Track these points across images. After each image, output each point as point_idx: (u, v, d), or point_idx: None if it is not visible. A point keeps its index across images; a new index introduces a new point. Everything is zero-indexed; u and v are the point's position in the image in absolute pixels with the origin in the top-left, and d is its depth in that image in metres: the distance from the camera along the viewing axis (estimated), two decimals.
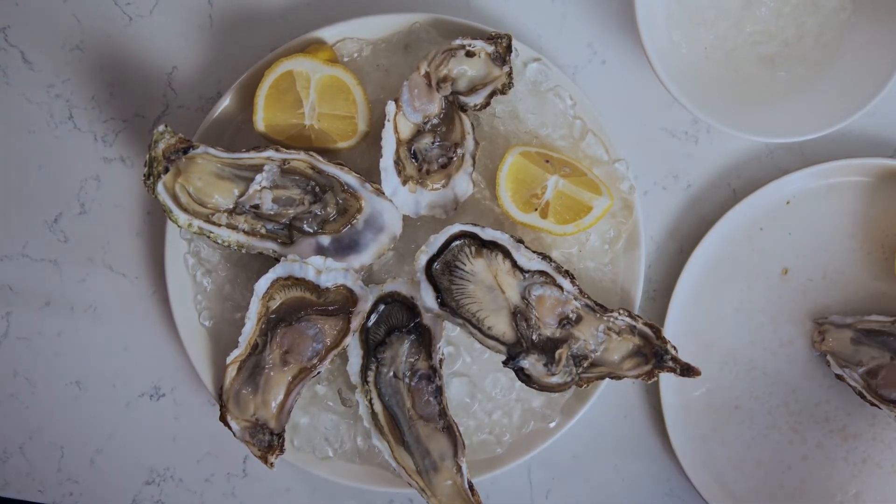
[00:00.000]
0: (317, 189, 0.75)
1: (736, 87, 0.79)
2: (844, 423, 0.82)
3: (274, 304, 0.74)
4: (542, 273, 0.73)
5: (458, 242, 0.73)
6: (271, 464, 0.74)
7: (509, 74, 0.75)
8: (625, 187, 0.78)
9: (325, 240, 0.75)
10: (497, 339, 0.73)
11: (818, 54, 0.78)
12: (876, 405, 0.79)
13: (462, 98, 0.75)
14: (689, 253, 0.80)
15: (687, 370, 0.73)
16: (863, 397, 0.79)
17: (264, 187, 0.74)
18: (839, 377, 0.80)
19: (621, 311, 0.73)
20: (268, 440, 0.74)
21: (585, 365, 0.73)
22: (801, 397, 0.82)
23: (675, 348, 0.73)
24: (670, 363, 0.73)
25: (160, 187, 0.72)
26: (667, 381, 0.81)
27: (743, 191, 0.82)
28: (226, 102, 0.77)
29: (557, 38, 0.82)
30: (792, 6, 0.77)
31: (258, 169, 0.73)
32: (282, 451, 0.75)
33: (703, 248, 0.80)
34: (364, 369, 0.75)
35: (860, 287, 0.82)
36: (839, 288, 0.82)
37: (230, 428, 0.74)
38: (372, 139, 0.77)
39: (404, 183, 0.75)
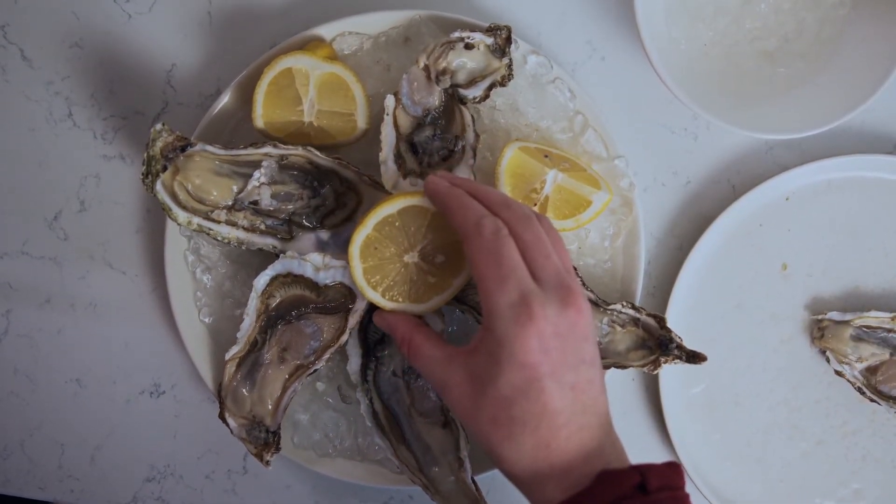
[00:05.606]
0: (315, 184, 0.75)
1: (735, 84, 0.79)
2: (844, 419, 0.82)
3: (273, 302, 0.74)
4: None
5: None
6: (267, 462, 0.74)
7: (509, 66, 0.74)
8: (624, 184, 0.78)
9: (325, 235, 0.75)
10: None
11: (818, 50, 0.78)
12: (876, 401, 0.79)
13: (461, 91, 0.74)
14: (688, 249, 0.80)
15: (693, 356, 0.73)
16: (862, 393, 0.79)
17: (263, 183, 0.74)
18: (839, 373, 0.80)
19: (625, 304, 0.74)
20: (264, 437, 0.74)
21: None
22: (801, 394, 0.82)
23: (679, 337, 0.73)
24: (676, 351, 0.73)
25: (159, 185, 0.72)
26: (666, 377, 0.81)
27: (742, 187, 0.82)
28: (225, 100, 0.77)
29: (557, 35, 0.82)
30: (791, 2, 0.77)
31: (256, 165, 0.73)
32: (278, 448, 0.74)
33: (702, 245, 0.80)
34: (364, 368, 0.75)
35: (859, 283, 0.82)
36: (839, 284, 0.82)
37: (228, 425, 0.74)
38: (372, 135, 0.77)
39: (405, 177, 0.74)
